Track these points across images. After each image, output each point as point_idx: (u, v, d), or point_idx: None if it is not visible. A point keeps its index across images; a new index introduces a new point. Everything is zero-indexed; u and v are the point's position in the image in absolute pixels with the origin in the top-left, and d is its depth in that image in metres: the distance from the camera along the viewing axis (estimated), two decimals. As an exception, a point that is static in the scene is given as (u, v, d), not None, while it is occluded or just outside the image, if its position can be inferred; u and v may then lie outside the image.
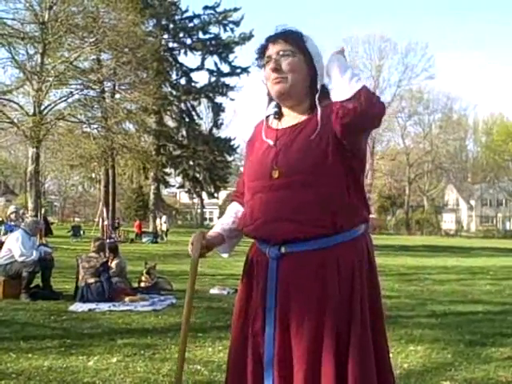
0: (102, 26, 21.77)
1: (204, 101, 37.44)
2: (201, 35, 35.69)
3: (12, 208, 18.44)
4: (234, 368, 2.19)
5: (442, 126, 62.11)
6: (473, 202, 67.05)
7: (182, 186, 41.32)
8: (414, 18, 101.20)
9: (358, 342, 1.97)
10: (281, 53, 2.11)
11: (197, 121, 37.27)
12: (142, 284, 8.77)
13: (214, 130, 37.90)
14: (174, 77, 35.94)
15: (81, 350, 4.76)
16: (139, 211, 45.30)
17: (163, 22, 34.65)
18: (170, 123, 36.98)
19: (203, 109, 41.03)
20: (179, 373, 2.24)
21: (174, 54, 35.90)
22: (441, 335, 5.67)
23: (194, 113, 36.56)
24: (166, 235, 29.56)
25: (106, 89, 26.67)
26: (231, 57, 35.58)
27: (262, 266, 2.12)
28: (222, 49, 35.38)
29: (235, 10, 34.96)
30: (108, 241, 12.72)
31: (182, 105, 36.11)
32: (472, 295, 9.19)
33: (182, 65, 35.99)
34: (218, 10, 35.18)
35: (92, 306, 7.00)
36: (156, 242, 25.62)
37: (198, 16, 35.44)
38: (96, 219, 28.97)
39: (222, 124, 38.78)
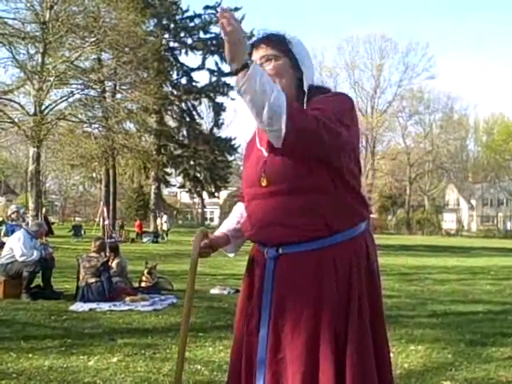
0: (102, 26, 21.77)
1: (205, 100, 37.44)
2: (201, 35, 35.70)
3: (13, 208, 18.46)
4: (234, 368, 2.19)
5: (442, 125, 62.09)
6: (473, 202, 67.02)
7: (182, 186, 41.30)
8: (414, 18, 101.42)
9: (356, 342, 1.96)
10: (263, 58, 2.09)
11: (197, 120, 37.28)
12: (143, 284, 8.76)
13: (215, 130, 37.90)
14: (174, 76, 35.95)
15: (81, 349, 4.76)
16: (140, 211, 45.29)
17: (164, 22, 34.65)
18: (171, 123, 36.98)
19: (204, 108, 41.06)
20: (179, 372, 2.24)
21: (175, 54, 35.90)
22: (441, 335, 5.66)
23: (194, 112, 36.56)
24: (167, 235, 29.57)
25: (107, 88, 26.69)
26: (232, 56, 35.57)
27: (261, 266, 2.13)
28: (223, 48, 35.24)
29: (236, 9, 34.93)
30: (109, 240, 12.72)
31: (183, 104, 36.11)
32: (473, 295, 9.18)
33: (182, 64, 36.00)
34: (219, 9, 35.17)
35: (93, 305, 7.01)
36: (157, 242, 25.62)
37: (199, 15, 35.44)
38: (97, 219, 28.97)
39: (222, 124, 38.79)
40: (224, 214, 42.65)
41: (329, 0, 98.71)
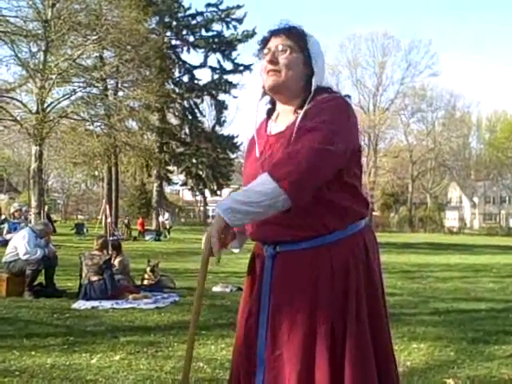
0: (104, 24, 21.73)
1: (207, 98, 37.40)
2: (204, 33, 35.64)
3: (16, 206, 18.54)
4: (236, 366, 2.19)
5: (445, 123, 62.01)
6: (476, 200, 66.93)
7: (184, 184, 41.31)
8: (415, 18, 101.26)
9: (354, 341, 1.96)
10: (280, 47, 2.12)
11: (200, 118, 37.24)
12: (145, 282, 8.77)
13: (217, 128, 37.85)
14: (176, 74, 35.90)
15: (84, 347, 4.77)
16: (142, 209, 45.34)
17: (166, 20, 34.61)
18: (173, 121, 36.96)
19: (206, 106, 41.01)
20: (187, 370, 2.26)
21: (177, 52, 35.86)
22: (444, 333, 5.67)
23: (196, 110, 36.53)
24: (169, 232, 29.57)
25: (109, 86, 26.64)
26: (234, 54, 35.56)
27: (261, 264, 2.14)
28: (225, 46, 35.33)
29: (238, 7, 34.91)
30: (111, 238, 12.74)
31: (185, 102, 36.08)
32: (475, 293, 9.18)
33: (184, 62, 35.96)
34: (221, 7, 35.13)
35: (95, 303, 7.02)
36: (159, 240, 25.62)
37: (201, 13, 35.39)
38: (99, 217, 28.96)
39: (224, 121, 38.72)
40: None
41: (328, 3, 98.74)
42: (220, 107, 36.73)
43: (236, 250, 2.36)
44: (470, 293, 9.17)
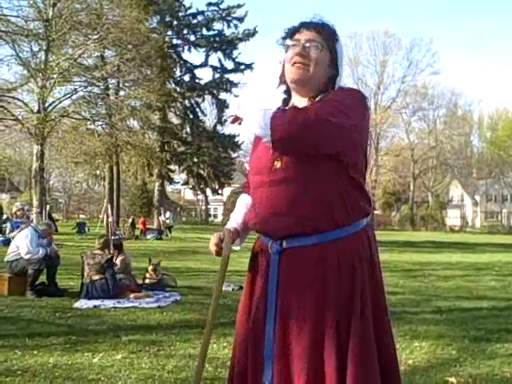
0: (105, 23, 21.74)
1: (208, 97, 37.43)
2: (204, 32, 35.67)
3: (18, 205, 18.55)
4: (238, 362, 2.19)
5: (446, 121, 61.93)
6: (478, 198, 66.87)
7: (186, 183, 41.35)
8: (415, 18, 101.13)
9: (358, 337, 1.97)
10: (311, 42, 2.11)
11: (201, 117, 37.27)
12: (147, 280, 8.76)
13: (218, 127, 37.86)
14: (177, 73, 35.93)
15: (86, 346, 4.78)
16: (144, 208, 45.36)
17: (167, 19, 34.63)
18: (174, 120, 36.98)
19: (207, 105, 41.07)
20: (200, 369, 2.28)
21: (178, 51, 35.88)
22: (446, 331, 5.66)
23: (198, 109, 36.56)
24: (170, 231, 29.58)
25: (110, 86, 26.65)
26: (235, 53, 35.60)
27: (265, 261, 2.14)
28: (226, 45, 35.34)
29: (239, 6, 34.91)
30: (113, 237, 12.75)
31: (186, 101, 36.11)
32: (477, 291, 9.17)
33: (185, 61, 35.98)
34: (222, 6, 35.16)
35: (97, 302, 7.02)
36: (160, 239, 25.64)
37: (202, 12, 35.40)
38: (101, 216, 29.00)
39: (226, 120, 38.68)
40: (227, 211, 42.67)
41: (329, 1, 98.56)
42: (221, 106, 36.73)
43: (237, 248, 2.37)
44: (471, 291, 9.16)
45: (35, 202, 21.39)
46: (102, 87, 24.96)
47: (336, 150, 2.00)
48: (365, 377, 1.95)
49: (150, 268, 8.88)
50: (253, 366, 2.10)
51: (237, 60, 35.61)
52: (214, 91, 36.11)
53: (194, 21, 35.58)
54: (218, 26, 35.43)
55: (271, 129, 1.94)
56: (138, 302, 7.16)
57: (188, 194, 63.71)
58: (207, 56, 35.74)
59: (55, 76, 21.23)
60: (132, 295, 7.48)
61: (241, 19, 35.10)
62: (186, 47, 35.73)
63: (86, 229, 26.62)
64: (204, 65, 35.98)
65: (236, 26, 35.13)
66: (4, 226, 18.95)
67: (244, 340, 2.17)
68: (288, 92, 2.24)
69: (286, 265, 2.07)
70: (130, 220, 29.30)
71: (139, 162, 31.10)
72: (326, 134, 1.95)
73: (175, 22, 35.26)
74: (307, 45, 2.10)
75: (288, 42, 2.15)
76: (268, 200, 2.08)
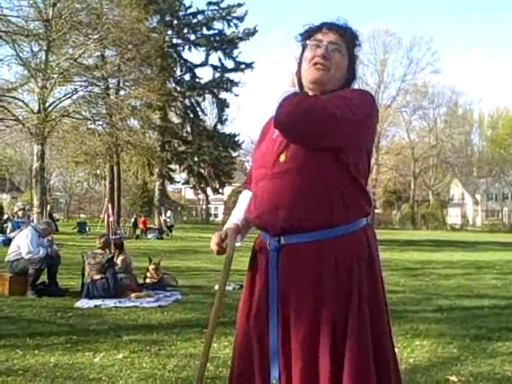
0: (105, 23, 21.73)
1: (208, 97, 37.43)
2: (205, 31, 35.66)
3: (19, 205, 18.60)
4: (241, 360, 2.19)
5: (447, 120, 61.84)
6: (478, 197, 66.85)
7: (186, 182, 41.36)
8: (415, 18, 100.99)
9: (354, 337, 1.97)
10: (334, 45, 2.12)
11: (201, 117, 37.25)
12: (148, 280, 8.77)
13: (219, 126, 37.86)
14: (178, 73, 35.92)
15: (87, 346, 4.78)
16: (144, 207, 45.39)
17: (167, 18, 34.61)
18: (175, 119, 36.97)
19: (208, 105, 41.03)
20: (202, 368, 2.28)
21: (178, 50, 35.87)
22: (446, 330, 5.66)
23: (198, 109, 36.53)
24: (171, 231, 29.58)
25: (111, 85, 26.65)
26: (235, 52, 35.57)
27: (265, 259, 2.14)
28: (226, 44, 35.33)
29: (239, 5, 34.88)
30: (113, 237, 12.75)
31: (187, 101, 36.09)
32: (478, 290, 9.17)
33: (186, 61, 35.96)
34: (222, 5, 35.15)
35: (98, 302, 7.03)
36: (161, 238, 25.65)
37: (202, 12, 35.39)
38: (101, 215, 29.02)
39: (226, 120, 38.73)
40: (228, 210, 42.62)
41: (330, 0, 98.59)
42: (221, 105, 36.74)
43: (238, 244, 2.37)
44: (472, 290, 9.16)
45: (36, 202, 21.39)
46: (103, 87, 24.96)
47: (337, 143, 2.02)
48: (360, 375, 1.95)
49: (151, 267, 8.88)
50: (259, 363, 2.10)
51: (237, 59, 35.60)
52: (215, 90, 36.11)
53: (194, 20, 35.56)
54: (218, 25, 35.47)
55: (278, 107, 1.98)
56: (139, 302, 7.16)
57: (189, 194, 63.66)
58: (207, 55, 35.75)
59: (55, 76, 21.23)
60: (133, 295, 7.48)
61: (241, 18, 35.09)
62: (187, 46, 35.73)
63: (87, 228, 26.65)
64: (204, 64, 35.97)
65: (236, 26, 35.14)
66: (5, 225, 18.98)
67: (245, 340, 2.17)
68: (300, 88, 2.24)
69: (284, 262, 2.08)
70: (133, 220, 29.30)
71: (140, 162, 31.12)
72: (328, 125, 1.97)
73: (175, 22, 35.25)
74: (330, 47, 2.11)
75: (309, 41, 2.16)
76: (269, 192, 2.09)
